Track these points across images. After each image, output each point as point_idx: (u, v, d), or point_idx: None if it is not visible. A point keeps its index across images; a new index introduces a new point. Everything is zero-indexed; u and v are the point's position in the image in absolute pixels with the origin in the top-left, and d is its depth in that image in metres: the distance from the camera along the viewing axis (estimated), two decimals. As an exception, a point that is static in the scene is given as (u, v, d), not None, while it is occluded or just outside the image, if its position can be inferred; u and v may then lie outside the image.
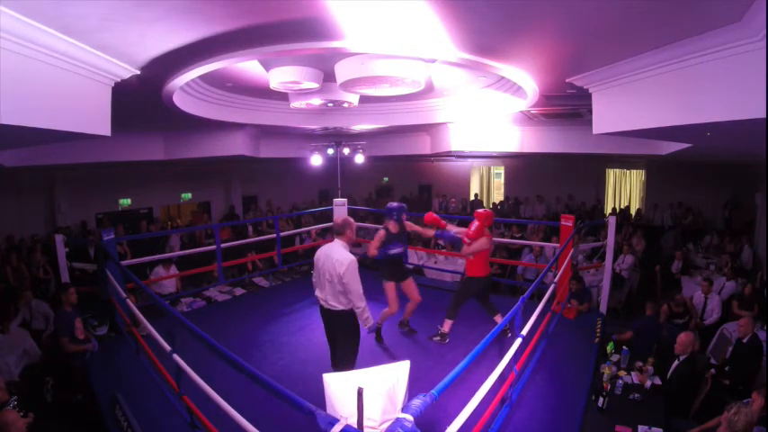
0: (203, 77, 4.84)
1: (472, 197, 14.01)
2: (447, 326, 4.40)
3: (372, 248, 4.32)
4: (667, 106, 3.42)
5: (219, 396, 2.37)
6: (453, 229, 4.53)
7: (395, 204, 4.48)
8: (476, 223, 4.24)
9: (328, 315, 3.33)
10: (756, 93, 2.50)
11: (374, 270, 8.10)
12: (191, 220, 11.52)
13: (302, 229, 8.08)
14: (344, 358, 3.34)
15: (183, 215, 12.23)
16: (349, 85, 4.44)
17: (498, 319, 4.43)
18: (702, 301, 5.74)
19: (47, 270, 6.89)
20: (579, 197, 12.55)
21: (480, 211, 4.37)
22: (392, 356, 4.20)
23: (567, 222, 5.27)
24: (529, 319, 3.35)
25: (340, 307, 3.23)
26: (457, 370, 2.03)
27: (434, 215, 4.51)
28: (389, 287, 4.37)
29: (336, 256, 3.14)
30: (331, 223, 6.90)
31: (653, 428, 3.09)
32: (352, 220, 3.41)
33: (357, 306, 3.19)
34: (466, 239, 4.25)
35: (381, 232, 4.37)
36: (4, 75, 2.54)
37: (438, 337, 4.43)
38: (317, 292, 3.35)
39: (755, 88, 2.51)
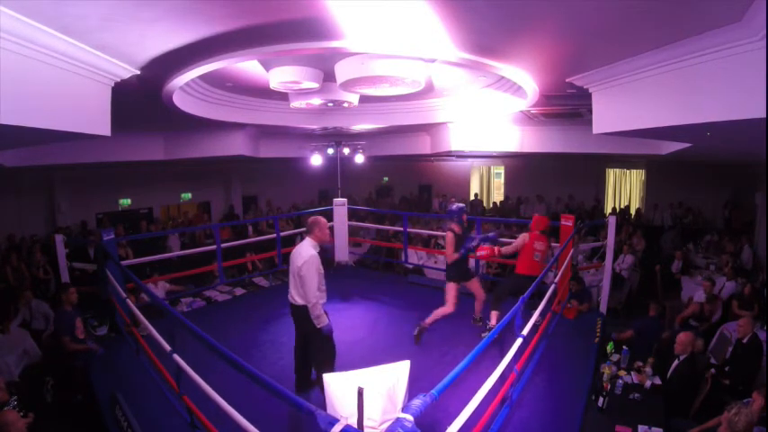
0: (203, 77, 4.84)
1: (472, 197, 14.01)
2: (494, 318, 4.41)
3: (450, 254, 4.42)
4: (667, 106, 3.42)
5: (219, 396, 2.37)
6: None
7: (455, 207, 4.60)
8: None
9: (292, 310, 3.43)
10: (756, 93, 2.50)
11: (375, 270, 8.14)
12: (190, 220, 11.52)
13: (302, 229, 8.06)
14: (320, 359, 3.39)
15: (183, 215, 12.23)
16: (349, 84, 4.44)
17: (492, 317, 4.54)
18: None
19: (47, 270, 6.89)
20: (579, 197, 12.55)
21: (536, 215, 4.81)
22: (392, 356, 4.19)
23: (567, 222, 5.27)
24: (529, 319, 3.35)
25: (301, 302, 3.31)
26: (457, 370, 2.03)
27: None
28: (451, 287, 4.46)
29: (300, 251, 3.31)
30: (331, 223, 6.91)
31: (653, 428, 3.09)
32: (322, 220, 3.50)
33: (308, 301, 3.24)
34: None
35: (450, 234, 4.45)
36: (4, 75, 2.54)
37: (488, 332, 4.44)
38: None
39: (755, 88, 2.51)
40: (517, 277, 4.58)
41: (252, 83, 5.35)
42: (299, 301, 3.32)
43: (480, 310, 4.83)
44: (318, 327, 3.29)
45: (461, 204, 4.69)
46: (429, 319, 4.43)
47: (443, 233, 8.29)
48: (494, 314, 4.44)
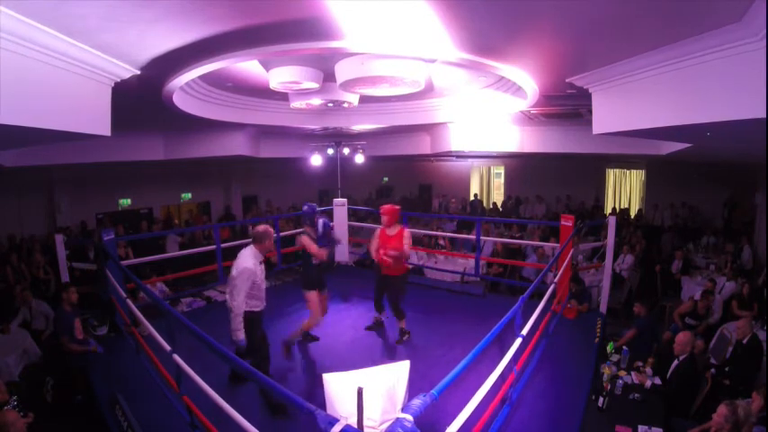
0: (203, 77, 4.84)
1: (472, 197, 14.02)
2: (404, 323, 4.48)
3: (319, 253, 4.12)
4: (667, 106, 3.42)
5: (219, 396, 2.37)
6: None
7: (306, 207, 4.32)
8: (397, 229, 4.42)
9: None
10: (756, 93, 2.50)
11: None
12: (189, 219, 11.53)
13: (302, 229, 8.05)
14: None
15: (188, 213, 12.25)
16: (349, 85, 4.43)
17: (403, 324, 4.50)
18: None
19: (47, 270, 6.89)
20: (579, 197, 12.55)
21: (387, 207, 4.46)
22: (392, 356, 4.20)
23: (567, 222, 5.27)
24: (529, 319, 3.35)
25: (230, 302, 3.28)
26: (457, 370, 2.03)
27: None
28: (312, 296, 4.14)
29: (239, 260, 3.27)
30: (332, 223, 6.90)
31: (653, 428, 3.10)
32: (271, 231, 3.42)
33: (231, 309, 3.20)
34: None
35: (305, 237, 4.18)
36: (4, 75, 2.54)
37: (406, 336, 4.50)
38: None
39: (755, 88, 2.51)
40: (406, 275, 4.55)
41: (252, 83, 5.35)
42: (231, 303, 3.27)
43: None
44: (232, 339, 3.20)
45: (313, 204, 4.36)
46: (297, 331, 4.19)
47: (442, 234, 8.32)
48: (403, 321, 4.49)
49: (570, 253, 5.07)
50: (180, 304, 5.67)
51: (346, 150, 8.77)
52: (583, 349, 4.35)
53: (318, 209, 4.40)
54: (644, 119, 3.74)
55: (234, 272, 3.24)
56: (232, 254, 6.58)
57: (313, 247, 4.10)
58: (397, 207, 4.60)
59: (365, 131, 9.01)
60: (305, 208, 4.33)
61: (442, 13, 2.78)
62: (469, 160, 14.16)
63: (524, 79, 4.44)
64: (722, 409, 2.74)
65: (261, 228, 3.39)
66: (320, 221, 4.25)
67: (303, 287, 4.20)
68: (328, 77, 4.78)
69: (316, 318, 4.19)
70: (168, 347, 2.89)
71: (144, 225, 9.98)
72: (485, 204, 13.97)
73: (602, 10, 2.61)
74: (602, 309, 5.31)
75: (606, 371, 3.72)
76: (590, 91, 4.28)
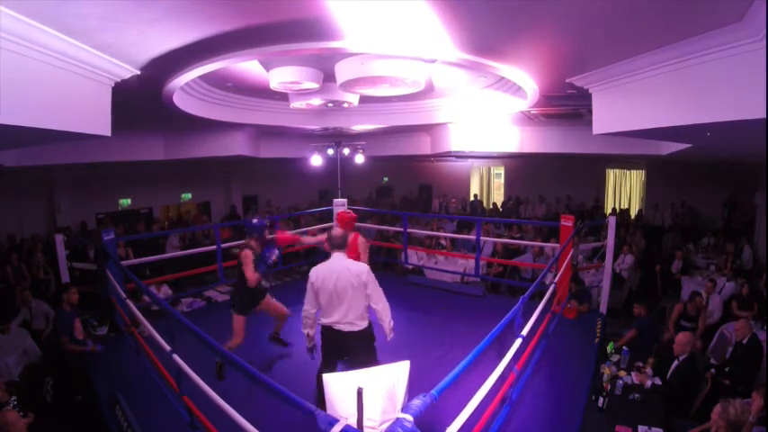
0: (203, 77, 4.85)
1: (472, 197, 14.01)
2: None
3: (252, 278, 3.72)
4: (667, 106, 3.42)
5: (219, 396, 2.37)
6: (311, 239, 4.88)
7: (255, 222, 4.00)
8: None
9: (345, 339, 2.94)
10: (756, 93, 2.50)
11: (374, 270, 8.12)
12: (191, 219, 11.52)
13: (302, 229, 8.07)
14: None
15: (186, 213, 12.23)
16: (349, 85, 4.44)
17: None
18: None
19: (47, 270, 6.89)
20: (579, 197, 12.53)
21: (342, 212, 4.32)
22: (392, 356, 4.18)
23: (567, 223, 5.27)
24: (529, 319, 3.35)
25: (364, 324, 2.95)
26: (457, 370, 2.03)
27: (286, 236, 4.72)
28: (239, 320, 3.85)
29: (354, 268, 2.92)
30: (331, 223, 6.89)
31: (653, 428, 3.09)
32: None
33: (388, 315, 2.98)
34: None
35: (248, 252, 3.84)
36: (4, 75, 2.54)
37: None
38: (329, 318, 2.95)
39: (755, 88, 2.52)
40: None
41: (252, 83, 5.36)
42: (363, 324, 2.92)
43: (281, 327, 4.29)
44: (390, 337, 3.05)
45: (263, 219, 4.10)
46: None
47: (443, 234, 8.32)
48: None
49: (570, 253, 5.06)
50: (180, 304, 5.67)
51: (346, 150, 8.77)
52: (583, 349, 4.35)
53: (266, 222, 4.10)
54: (644, 119, 3.74)
55: (363, 275, 2.88)
56: (233, 254, 6.65)
57: (249, 269, 3.73)
58: (354, 215, 4.35)
59: (365, 131, 9.02)
60: (254, 221, 3.99)
61: (442, 13, 2.78)
62: (469, 160, 14.16)
63: (524, 79, 4.45)
64: (717, 407, 2.75)
65: (339, 232, 3.11)
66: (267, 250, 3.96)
67: (233, 308, 3.88)
68: (328, 77, 4.78)
69: (236, 341, 3.85)
70: (168, 347, 2.88)
71: (142, 225, 9.94)
72: (485, 205, 13.97)
73: (602, 11, 2.61)
74: (603, 309, 5.31)
75: (606, 371, 3.72)
76: (590, 91, 4.29)
